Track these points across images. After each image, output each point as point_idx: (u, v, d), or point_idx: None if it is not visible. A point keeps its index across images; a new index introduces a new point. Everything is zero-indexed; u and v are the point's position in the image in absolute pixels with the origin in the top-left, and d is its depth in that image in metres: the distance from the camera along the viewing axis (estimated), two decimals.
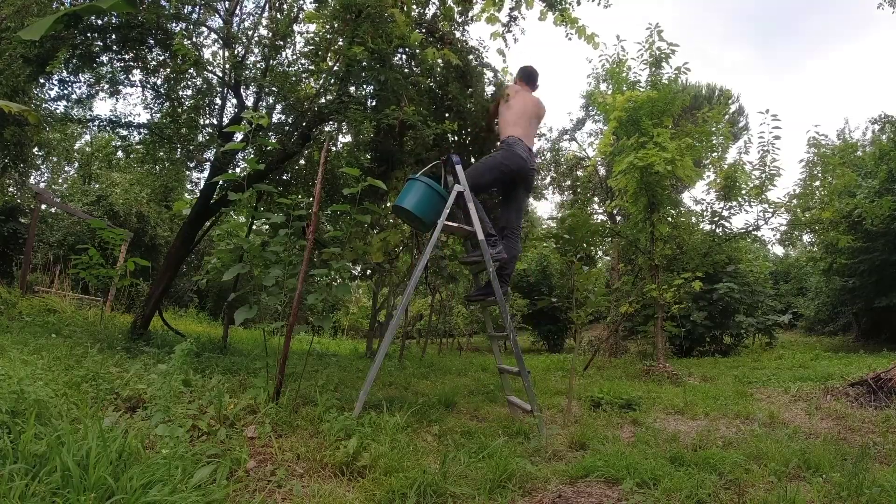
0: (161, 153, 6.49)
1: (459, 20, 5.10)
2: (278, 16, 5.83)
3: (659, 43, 7.28)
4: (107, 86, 5.97)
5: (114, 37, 4.97)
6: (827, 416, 4.09)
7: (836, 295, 14.23)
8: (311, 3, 5.54)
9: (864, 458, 2.53)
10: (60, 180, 19.31)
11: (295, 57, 6.01)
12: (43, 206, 11.69)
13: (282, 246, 3.07)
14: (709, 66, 56.05)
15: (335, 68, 4.71)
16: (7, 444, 1.66)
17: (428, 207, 3.48)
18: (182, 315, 14.38)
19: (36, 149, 10.85)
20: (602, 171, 14.75)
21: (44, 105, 6.94)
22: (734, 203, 7.66)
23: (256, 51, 5.86)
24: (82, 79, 5.92)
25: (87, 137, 16.61)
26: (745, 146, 8.04)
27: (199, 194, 6.10)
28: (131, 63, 5.69)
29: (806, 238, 10.79)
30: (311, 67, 5.14)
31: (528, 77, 4.13)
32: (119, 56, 5.49)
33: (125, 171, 14.57)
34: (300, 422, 2.68)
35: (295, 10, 5.71)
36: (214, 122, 6.29)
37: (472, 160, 4.76)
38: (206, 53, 6.56)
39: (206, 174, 6.39)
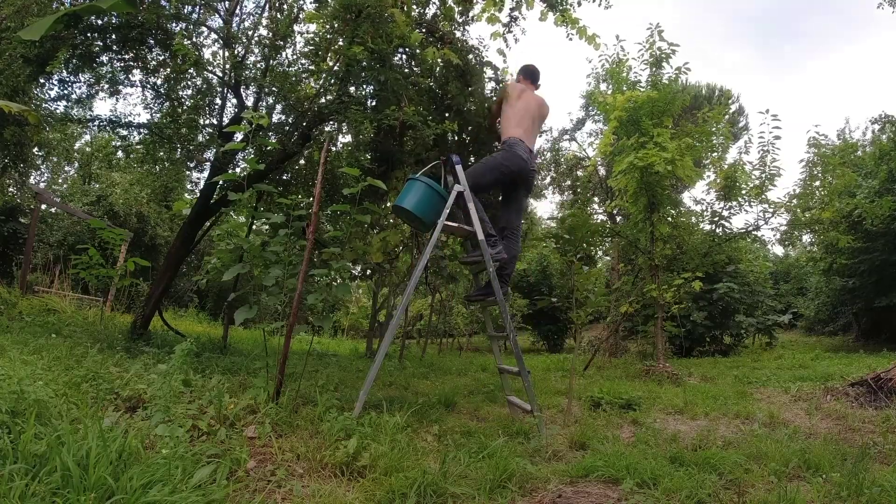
0: (161, 153, 6.49)
1: (459, 20, 5.11)
2: (278, 16, 5.83)
3: (659, 43, 7.29)
4: (107, 86, 5.97)
5: (114, 37, 4.98)
6: (827, 416, 4.09)
7: (836, 295, 14.23)
8: (311, 3, 5.55)
9: (864, 458, 2.53)
10: (60, 180, 19.32)
11: (295, 57, 6.02)
12: (43, 206, 11.69)
13: (282, 246, 3.07)
14: (709, 66, 56.11)
15: (335, 68, 4.71)
16: (7, 444, 1.66)
17: (428, 207, 3.48)
18: (182, 315, 14.38)
19: (36, 149, 10.86)
20: (602, 171, 14.76)
21: (44, 105, 6.94)
22: (734, 203, 7.66)
23: (256, 51, 5.87)
24: (82, 79, 5.93)
25: (87, 137, 16.64)
26: (745, 146, 8.05)
27: (199, 194, 6.10)
28: (131, 63, 5.69)
29: (806, 238, 10.79)
30: (311, 67, 5.14)
31: (532, 75, 4.08)
32: (119, 56, 5.49)
33: (125, 171, 14.58)
34: (300, 422, 2.68)
35: (295, 10, 5.71)
36: (214, 122, 6.30)
37: (472, 160, 4.77)
38: (206, 53, 6.57)
39: (206, 174, 6.39)
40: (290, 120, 5.47)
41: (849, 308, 14.03)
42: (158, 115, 6.36)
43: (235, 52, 5.49)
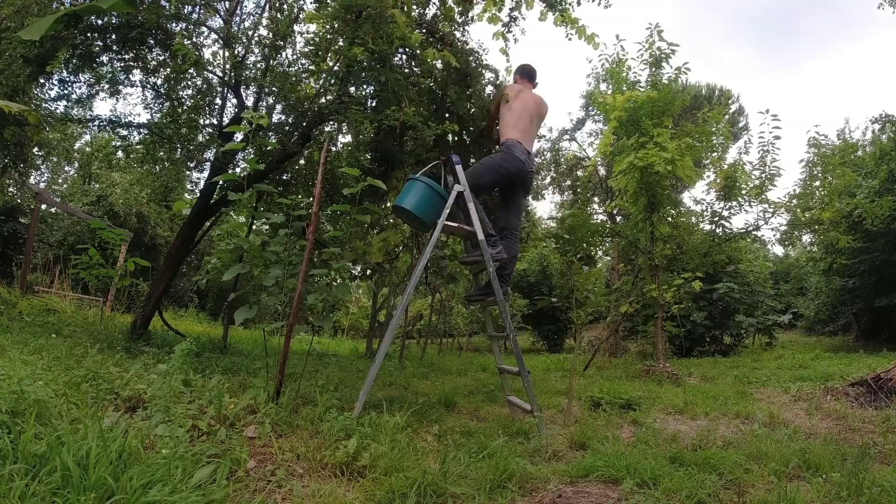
0: (161, 153, 6.49)
1: (460, 20, 5.10)
2: (278, 16, 5.83)
3: (659, 43, 7.28)
4: (107, 86, 5.97)
5: (114, 37, 4.98)
6: (827, 416, 4.09)
7: (836, 295, 14.23)
8: (311, 3, 5.55)
9: (864, 458, 2.53)
10: (60, 180, 19.32)
11: (295, 57, 6.02)
12: (43, 206, 11.69)
13: (282, 246, 3.07)
14: (709, 66, 56.12)
15: (335, 68, 4.71)
16: (7, 444, 1.66)
17: (428, 207, 3.48)
18: (182, 315, 14.38)
19: (36, 149, 10.86)
20: (602, 171, 14.76)
21: (44, 105, 6.94)
22: (734, 203, 7.66)
23: (256, 51, 5.87)
24: (82, 79, 5.93)
25: (87, 137, 16.64)
26: (745, 146, 8.06)
27: (199, 194, 6.10)
28: (131, 63, 5.69)
29: (806, 238, 10.80)
30: (312, 67, 5.14)
31: (529, 74, 4.09)
32: (119, 56, 5.49)
33: (125, 171, 14.58)
34: (300, 422, 2.68)
35: (295, 10, 5.71)
36: (214, 122, 6.30)
37: (472, 160, 4.77)
38: (206, 53, 6.58)
39: (206, 174, 6.39)
40: (290, 120, 5.47)
41: (849, 308, 14.03)
42: (158, 115, 6.36)
43: (235, 52, 5.49)
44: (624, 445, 2.90)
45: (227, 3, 6.02)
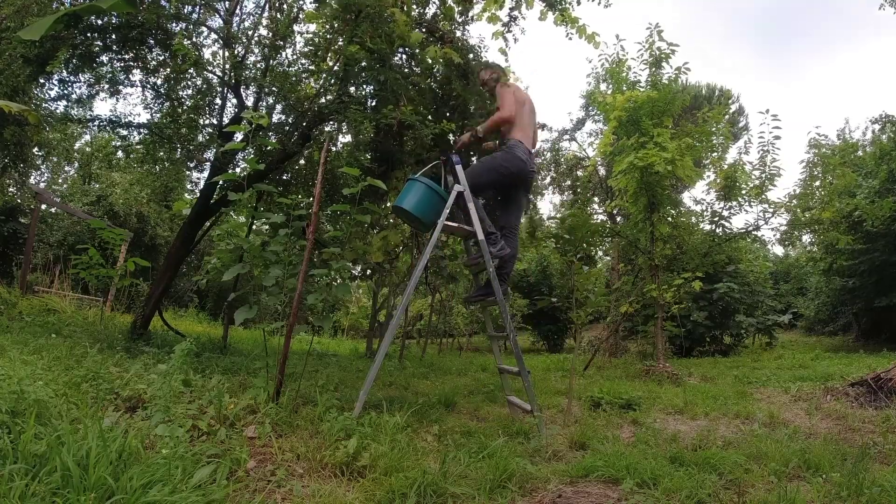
0: (161, 153, 6.49)
1: (460, 20, 5.11)
2: (278, 16, 5.83)
3: (659, 43, 7.28)
4: (107, 86, 5.98)
5: (114, 37, 4.98)
6: (827, 416, 4.09)
7: (836, 295, 14.24)
8: (311, 3, 5.55)
9: (864, 458, 2.53)
10: (60, 180, 19.32)
11: (295, 57, 6.03)
12: (43, 206, 11.69)
13: (282, 246, 3.07)
14: (709, 66, 56.13)
15: (335, 68, 4.72)
16: (7, 444, 1.66)
17: (427, 208, 3.48)
18: (182, 315, 14.38)
19: (36, 149, 10.86)
20: (602, 171, 14.75)
21: (44, 105, 6.94)
22: (734, 203, 7.66)
23: (256, 51, 5.87)
24: (82, 79, 5.93)
25: (87, 137, 16.65)
26: (745, 146, 8.05)
27: (199, 194, 6.10)
28: (131, 63, 5.69)
29: (806, 238, 10.79)
30: (311, 67, 5.15)
31: (504, 72, 4.13)
32: (119, 56, 5.49)
33: (125, 171, 14.59)
34: (300, 422, 2.68)
35: (295, 10, 5.71)
36: (214, 122, 6.30)
37: (473, 160, 4.77)
38: (206, 53, 6.57)
39: (206, 174, 6.40)
40: (290, 120, 5.47)
41: (849, 308, 14.04)
42: (158, 115, 6.37)
43: (235, 52, 5.50)
44: (624, 445, 2.90)
45: (226, 3, 6.02)
